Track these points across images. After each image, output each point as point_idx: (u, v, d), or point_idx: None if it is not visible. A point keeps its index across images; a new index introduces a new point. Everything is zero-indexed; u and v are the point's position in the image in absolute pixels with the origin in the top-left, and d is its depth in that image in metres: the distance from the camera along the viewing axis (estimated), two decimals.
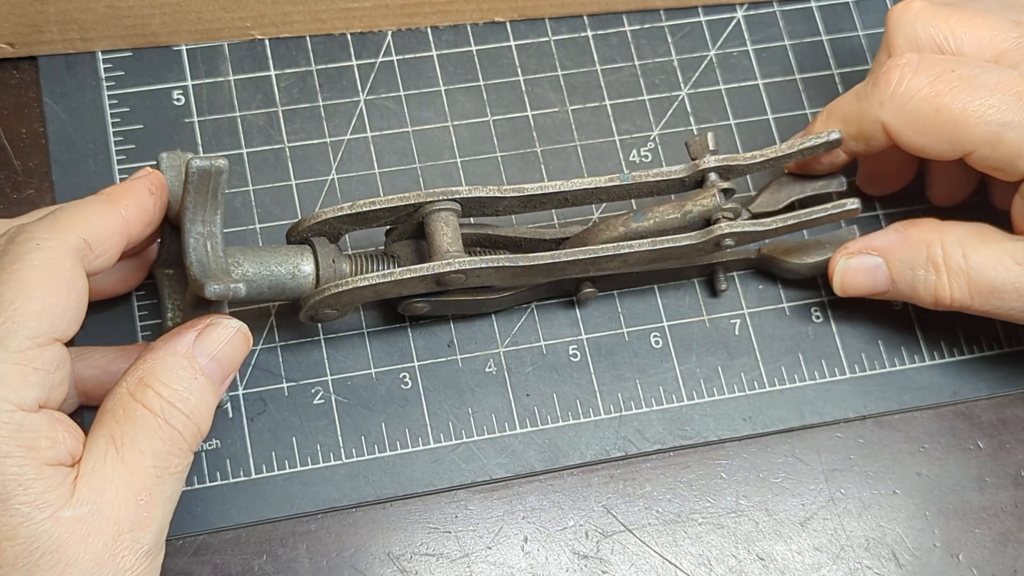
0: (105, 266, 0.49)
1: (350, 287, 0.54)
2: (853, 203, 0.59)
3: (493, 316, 0.62)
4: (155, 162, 0.53)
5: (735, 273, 0.64)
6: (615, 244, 0.57)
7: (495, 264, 0.55)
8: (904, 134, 0.56)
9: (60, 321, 0.46)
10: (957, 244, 0.57)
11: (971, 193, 0.64)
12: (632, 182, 0.58)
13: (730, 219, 0.58)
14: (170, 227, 0.53)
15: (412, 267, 0.55)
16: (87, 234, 0.48)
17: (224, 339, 0.50)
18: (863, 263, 0.59)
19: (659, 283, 0.63)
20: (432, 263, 0.55)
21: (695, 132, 0.66)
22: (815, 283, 0.64)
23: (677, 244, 0.57)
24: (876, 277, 0.59)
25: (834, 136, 0.59)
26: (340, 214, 0.55)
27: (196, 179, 0.50)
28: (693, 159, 0.59)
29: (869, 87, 0.58)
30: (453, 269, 0.55)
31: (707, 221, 0.58)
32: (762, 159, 0.59)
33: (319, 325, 0.60)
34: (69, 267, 0.46)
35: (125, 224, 0.50)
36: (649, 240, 0.57)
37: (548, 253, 0.56)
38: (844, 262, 0.59)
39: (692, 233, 0.58)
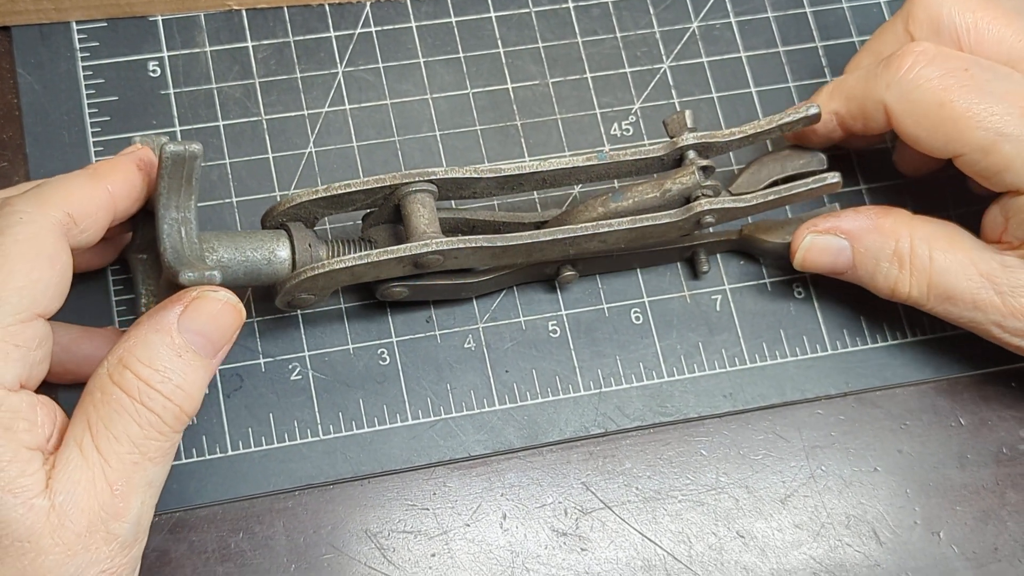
0: (90, 241, 0.48)
1: (326, 270, 0.53)
2: (834, 177, 0.58)
3: None
4: (132, 136, 0.53)
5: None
6: (594, 223, 0.56)
7: (473, 244, 0.55)
8: (903, 121, 0.56)
9: (43, 296, 0.45)
10: (925, 242, 0.57)
11: (938, 169, 0.64)
12: (610, 161, 0.57)
13: (710, 196, 0.57)
14: (143, 212, 0.53)
15: (389, 248, 0.54)
16: (72, 208, 0.47)
17: (212, 312, 0.47)
18: (828, 243, 0.59)
19: (641, 266, 0.62)
20: (410, 244, 0.54)
21: (677, 106, 0.66)
22: None
23: (657, 223, 0.57)
24: (838, 259, 0.59)
25: (813, 111, 0.58)
26: (315, 197, 0.55)
27: (170, 164, 0.49)
28: (671, 137, 0.58)
29: (880, 67, 0.57)
30: (431, 250, 0.54)
31: (687, 199, 0.57)
32: (741, 136, 0.58)
33: None
34: (53, 242, 0.46)
35: (111, 200, 0.49)
36: (628, 219, 0.56)
37: (527, 233, 0.56)
38: (811, 239, 0.59)
39: (672, 211, 0.57)
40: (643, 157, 0.58)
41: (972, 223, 0.60)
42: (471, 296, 0.61)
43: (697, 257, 0.62)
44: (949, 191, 0.65)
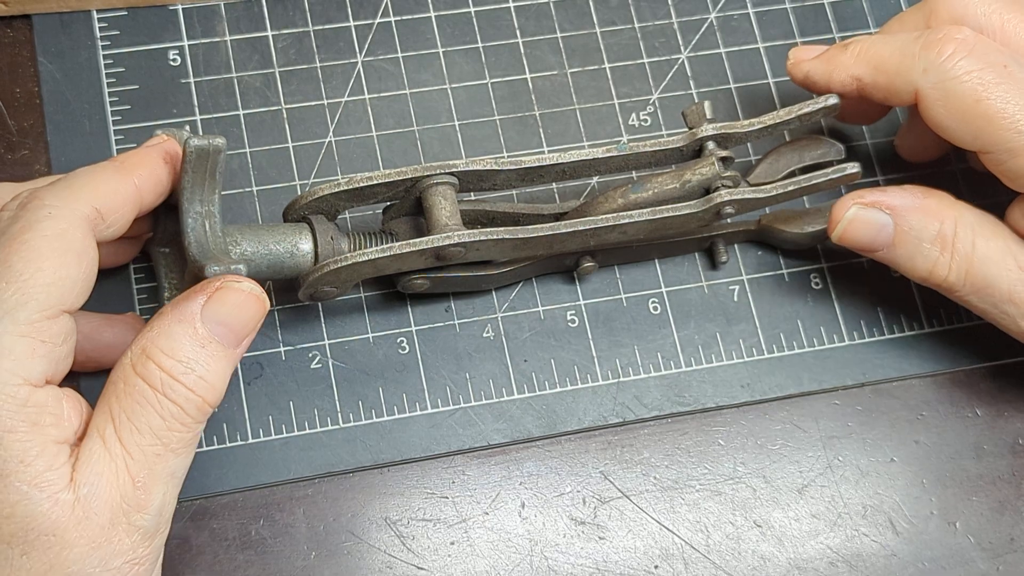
0: (115, 235, 0.48)
1: (349, 263, 0.54)
2: (853, 167, 0.58)
3: None
4: (154, 126, 0.53)
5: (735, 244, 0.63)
6: (615, 215, 0.56)
7: (495, 236, 0.55)
8: (934, 109, 0.55)
9: (69, 293, 0.45)
10: (970, 228, 0.56)
11: (939, 157, 0.64)
12: (629, 152, 0.58)
13: (729, 187, 0.57)
14: (165, 205, 0.53)
15: (411, 241, 0.54)
16: (99, 203, 0.47)
17: (235, 302, 0.47)
18: (872, 218, 0.57)
19: (659, 257, 0.62)
20: (432, 236, 0.54)
21: (695, 96, 0.66)
22: (815, 250, 0.64)
23: (677, 213, 0.57)
24: (879, 235, 0.57)
25: (832, 101, 0.58)
26: (337, 190, 0.55)
27: (194, 158, 0.49)
28: (690, 128, 0.58)
29: (917, 46, 0.56)
30: (453, 242, 0.54)
31: (706, 190, 0.58)
32: (760, 126, 0.58)
33: None
34: (80, 237, 0.46)
35: (137, 193, 0.49)
36: (648, 210, 0.57)
37: (548, 225, 0.56)
38: (856, 211, 0.57)
39: (692, 202, 0.57)
40: (662, 148, 0.58)
41: None
42: (491, 288, 0.61)
43: (716, 247, 0.62)
44: (963, 185, 0.65)
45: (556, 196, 0.63)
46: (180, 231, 0.50)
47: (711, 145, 0.58)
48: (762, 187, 0.58)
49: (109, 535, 0.44)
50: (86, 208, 0.46)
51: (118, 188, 0.48)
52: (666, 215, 0.57)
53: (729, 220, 0.59)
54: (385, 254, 0.54)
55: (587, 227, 0.56)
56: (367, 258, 0.54)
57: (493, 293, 0.61)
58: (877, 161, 0.66)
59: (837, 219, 0.58)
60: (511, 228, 0.56)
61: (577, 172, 0.58)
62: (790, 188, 0.58)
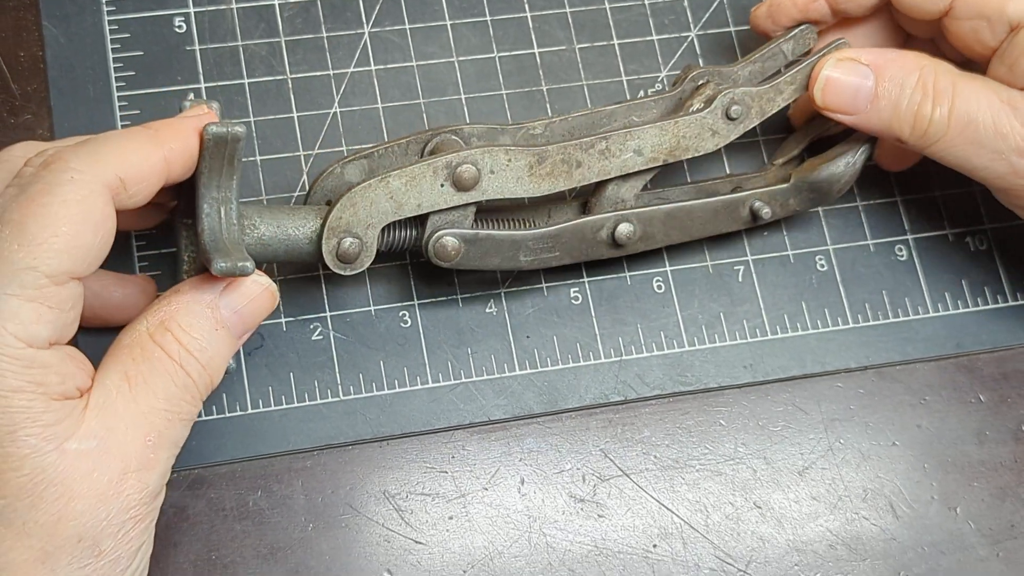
0: (136, 205, 0.47)
1: (362, 187, 0.53)
2: (842, 40, 0.60)
3: None
4: (158, 91, 0.52)
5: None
6: (624, 127, 0.58)
7: (505, 149, 0.55)
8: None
9: (82, 261, 0.44)
10: (949, 72, 0.57)
11: (916, 163, 0.64)
12: (631, 101, 0.59)
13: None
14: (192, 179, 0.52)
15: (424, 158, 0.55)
16: (125, 172, 0.46)
17: (252, 295, 0.49)
18: (852, 72, 0.58)
19: (702, 233, 0.61)
20: (443, 154, 0.55)
21: None
22: (820, 232, 0.63)
23: (684, 116, 0.58)
24: (859, 93, 0.58)
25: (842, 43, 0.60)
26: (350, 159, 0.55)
27: (212, 145, 0.48)
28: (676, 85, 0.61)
29: None
30: (463, 158, 0.54)
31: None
32: (747, 63, 0.61)
33: None
34: (100, 206, 0.45)
35: (166, 166, 0.48)
36: (657, 124, 0.58)
37: (558, 142, 0.57)
38: (834, 62, 0.58)
39: (697, 109, 0.58)
40: (661, 95, 0.60)
41: (963, 204, 0.61)
42: (527, 269, 0.59)
43: (756, 207, 0.61)
44: (936, 175, 0.65)
45: None
46: (195, 217, 0.50)
47: (702, 81, 0.60)
48: (761, 85, 0.59)
49: (118, 489, 0.45)
50: (110, 176, 0.45)
51: (146, 158, 0.47)
52: (674, 119, 0.58)
53: (741, 126, 0.60)
54: (400, 179, 0.54)
55: (597, 136, 0.57)
56: (384, 181, 0.54)
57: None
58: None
59: (816, 76, 0.59)
60: (524, 147, 0.56)
61: (580, 135, 0.58)
62: (787, 77, 0.59)
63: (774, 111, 0.60)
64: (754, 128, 0.60)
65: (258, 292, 0.49)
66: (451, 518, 0.57)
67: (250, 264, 0.48)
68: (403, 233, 0.56)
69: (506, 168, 0.55)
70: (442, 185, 0.55)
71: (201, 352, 0.47)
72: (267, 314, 0.50)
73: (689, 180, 0.63)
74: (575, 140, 0.56)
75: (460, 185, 0.55)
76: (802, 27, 0.61)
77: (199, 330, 0.47)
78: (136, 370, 0.46)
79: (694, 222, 0.60)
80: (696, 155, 0.59)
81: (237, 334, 0.49)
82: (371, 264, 0.59)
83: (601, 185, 0.58)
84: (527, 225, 0.58)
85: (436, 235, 0.56)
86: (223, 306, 0.48)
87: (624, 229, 0.58)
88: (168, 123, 0.49)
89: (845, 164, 0.60)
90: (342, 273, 0.54)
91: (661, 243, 0.60)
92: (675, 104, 0.60)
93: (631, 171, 0.58)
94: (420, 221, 0.56)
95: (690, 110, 0.58)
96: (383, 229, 0.55)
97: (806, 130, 0.63)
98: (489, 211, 0.59)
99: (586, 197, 0.60)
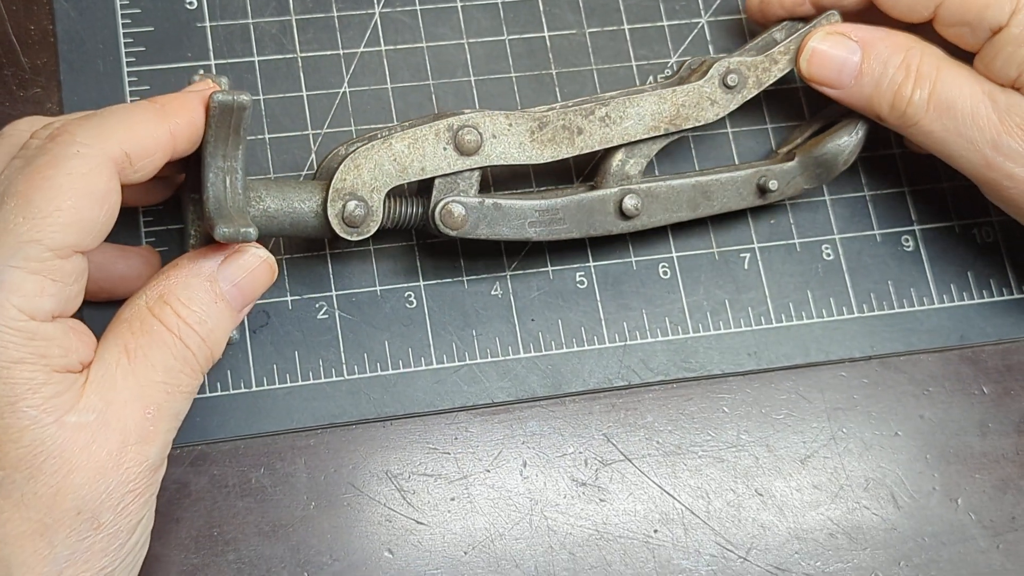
0: (142, 180, 0.47)
1: (364, 147, 0.54)
2: (835, 15, 0.60)
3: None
4: (168, 68, 0.52)
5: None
6: (624, 93, 0.58)
7: (505, 114, 0.56)
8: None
9: (87, 235, 0.44)
10: (934, 56, 0.58)
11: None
12: (637, 88, 0.60)
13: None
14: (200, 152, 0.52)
15: (424, 116, 0.56)
16: (130, 146, 0.46)
17: (250, 267, 0.49)
18: (840, 46, 0.59)
19: (710, 211, 0.61)
20: (446, 117, 0.55)
21: None
22: (827, 220, 0.63)
23: (685, 90, 0.59)
24: (845, 67, 0.59)
25: (834, 18, 0.61)
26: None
27: (217, 113, 0.48)
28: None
29: None
30: (465, 121, 0.55)
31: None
32: (751, 47, 0.61)
33: (324, 240, 0.59)
34: (105, 180, 0.45)
35: (171, 140, 0.48)
36: (656, 92, 0.58)
37: (559, 104, 0.58)
38: (823, 34, 0.59)
39: (694, 79, 0.59)
40: (669, 82, 0.60)
41: (970, 196, 0.62)
42: (536, 238, 0.58)
43: (761, 181, 0.61)
44: (943, 166, 0.65)
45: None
46: (201, 186, 0.50)
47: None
48: (757, 56, 0.60)
49: (118, 461, 0.45)
50: (116, 150, 0.45)
51: (152, 133, 0.47)
52: (673, 87, 0.59)
53: (740, 96, 0.60)
54: (403, 142, 0.54)
55: (597, 102, 0.57)
56: (388, 143, 0.54)
57: (502, 249, 0.60)
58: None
59: (804, 47, 0.60)
60: (524, 111, 0.57)
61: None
62: (780, 47, 0.60)
63: (771, 81, 0.60)
64: (763, 116, 0.60)
65: (256, 264, 0.49)
66: (453, 499, 0.57)
67: (253, 230, 0.48)
68: (410, 209, 0.56)
69: (507, 132, 0.56)
70: (445, 148, 0.55)
71: (200, 325, 0.47)
72: (266, 287, 0.50)
73: (697, 168, 0.63)
74: (575, 106, 0.57)
75: (463, 149, 0.55)
76: (794, 22, 0.62)
77: (198, 303, 0.47)
78: (135, 343, 0.46)
79: (700, 197, 0.60)
80: (697, 124, 0.59)
81: (237, 307, 0.49)
82: (377, 243, 0.59)
83: (606, 161, 0.58)
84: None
85: (443, 202, 0.56)
86: (222, 279, 0.48)
87: (630, 201, 0.58)
88: (174, 97, 0.49)
89: (848, 135, 0.61)
90: (348, 238, 0.54)
91: (667, 220, 0.60)
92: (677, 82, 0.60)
93: (633, 139, 0.58)
94: (425, 197, 0.56)
95: (686, 80, 0.60)
96: (388, 200, 0.55)
97: (813, 119, 0.63)
98: (497, 195, 0.59)
99: (593, 180, 0.60)
